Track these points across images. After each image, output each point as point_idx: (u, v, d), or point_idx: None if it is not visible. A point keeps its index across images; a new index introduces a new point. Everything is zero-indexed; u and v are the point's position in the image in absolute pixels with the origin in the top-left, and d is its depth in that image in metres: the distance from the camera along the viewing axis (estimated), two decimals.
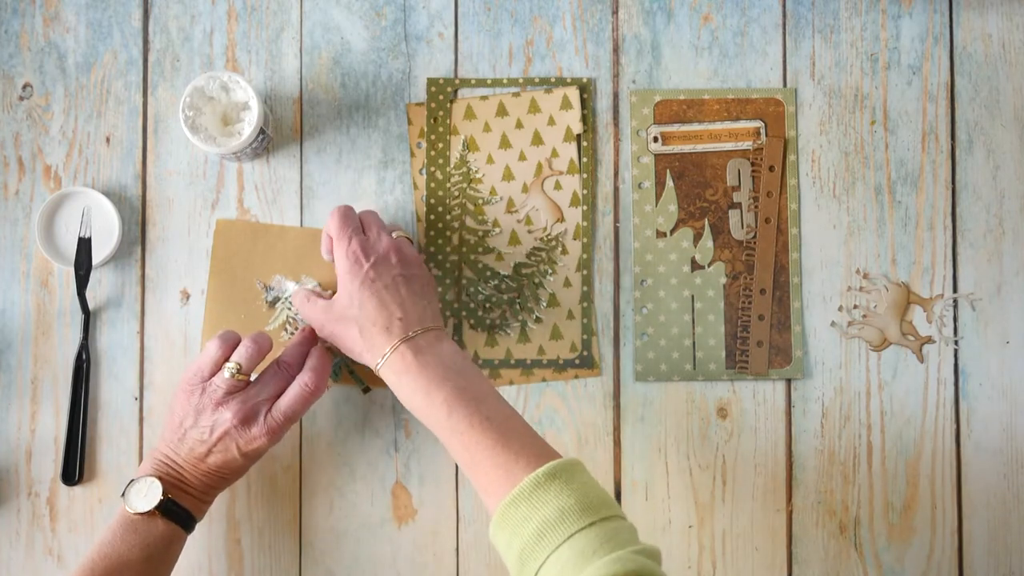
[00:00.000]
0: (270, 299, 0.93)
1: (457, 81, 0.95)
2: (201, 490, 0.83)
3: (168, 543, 0.81)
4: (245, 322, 0.92)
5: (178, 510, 0.81)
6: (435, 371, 0.79)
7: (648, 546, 0.69)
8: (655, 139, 0.95)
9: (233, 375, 0.81)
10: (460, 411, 0.77)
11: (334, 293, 0.88)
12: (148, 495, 0.80)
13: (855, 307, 0.94)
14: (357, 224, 0.86)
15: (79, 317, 0.93)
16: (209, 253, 0.94)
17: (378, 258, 0.84)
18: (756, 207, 0.94)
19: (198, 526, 0.84)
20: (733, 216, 0.94)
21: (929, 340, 0.94)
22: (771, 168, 0.94)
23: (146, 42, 0.96)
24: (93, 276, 0.93)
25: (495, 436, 0.76)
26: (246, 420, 0.81)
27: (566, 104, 0.95)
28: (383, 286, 0.83)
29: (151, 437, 0.93)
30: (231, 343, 0.83)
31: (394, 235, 0.88)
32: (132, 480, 0.81)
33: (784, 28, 0.96)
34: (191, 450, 0.82)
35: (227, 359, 0.82)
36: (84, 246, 0.92)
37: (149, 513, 0.79)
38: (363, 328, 0.82)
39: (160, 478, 0.81)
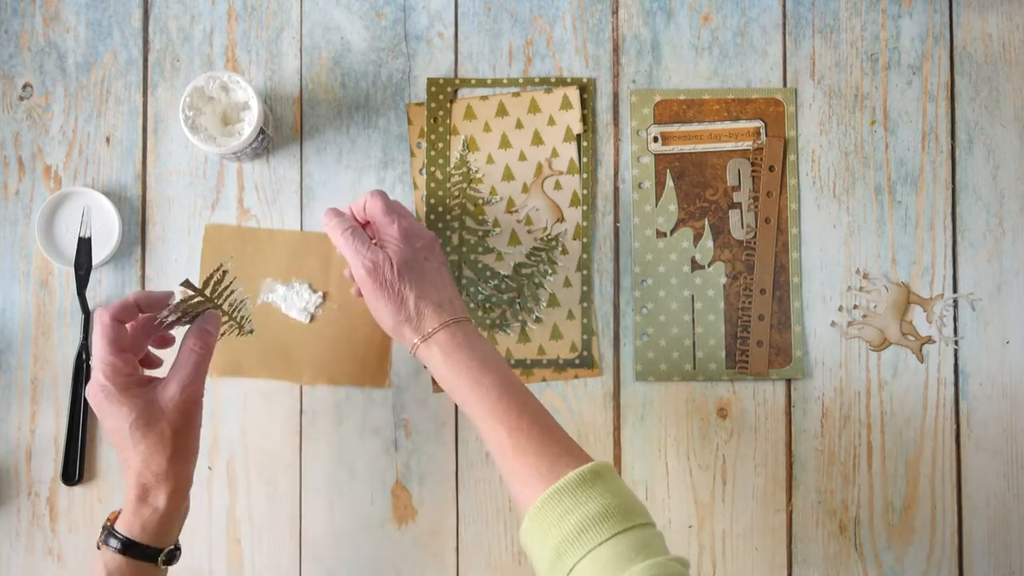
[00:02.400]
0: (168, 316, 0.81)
1: (457, 81, 0.95)
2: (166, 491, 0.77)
3: None
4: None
5: (122, 539, 0.76)
6: (484, 356, 0.80)
7: (681, 556, 0.70)
8: (655, 139, 0.95)
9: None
10: (509, 398, 0.77)
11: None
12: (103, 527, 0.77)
13: (855, 307, 0.94)
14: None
15: (79, 317, 0.93)
16: None
17: (426, 242, 0.84)
18: (756, 207, 0.94)
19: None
20: (733, 216, 0.94)
21: (929, 340, 0.94)
22: (771, 168, 0.94)
23: (146, 42, 0.96)
24: (93, 276, 0.93)
25: (542, 428, 0.76)
26: (132, 395, 0.76)
27: (566, 104, 0.95)
28: (436, 266, 0.84)
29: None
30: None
31: None
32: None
33: (784, 28, 0.96)
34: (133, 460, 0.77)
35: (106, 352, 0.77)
36: (84, 246, 0.92)
37: (100, 547, 0.76)
38: (418, 298, 0.81)
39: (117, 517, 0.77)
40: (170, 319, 0.79)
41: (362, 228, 0.85)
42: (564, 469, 0.73)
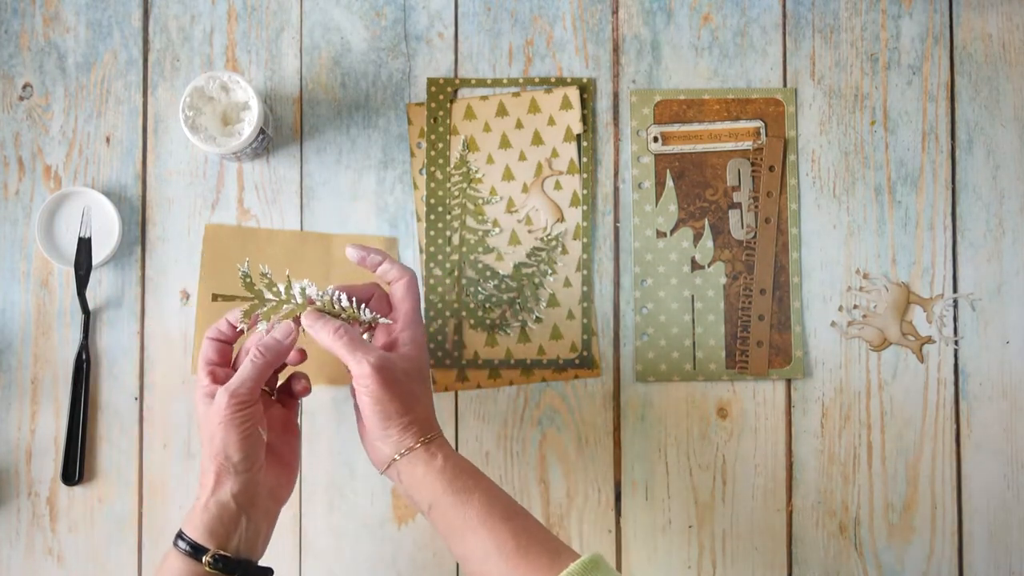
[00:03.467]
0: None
1: (457, 81, 0.95)
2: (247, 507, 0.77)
3: None
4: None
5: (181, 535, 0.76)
6: (468, 466, 0.79)
7: None
8: (655, 139, 0.95)
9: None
10: (505, 500, 0.78)
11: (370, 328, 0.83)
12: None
13: (855, 307, 0.94)
14: None
15: (79, 317, 0.93)
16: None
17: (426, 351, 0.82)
18: (756, 207, 0.94)
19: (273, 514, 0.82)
20: (733, 216, 0.94)
21: (929, 340, 0.94)
22: (771, 168, 0.94)
23: (146, 42, 0.96)
24: (93, 276, 0.93)
25: (535, 527, 0.77)
26: (210, 395, 0.78)
27: (566, 104, 0.95)
28: (429, 376, 0.82)
29: (151, 437, 0.93)
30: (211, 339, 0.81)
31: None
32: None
33: (784, 28, 0.96)
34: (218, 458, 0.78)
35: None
36: (84, 246, 0.92)
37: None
38: (427, 404, 0.80)
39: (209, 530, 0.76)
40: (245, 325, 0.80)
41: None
42: (566, 562, 0.73)
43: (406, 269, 0.82)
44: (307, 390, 0.84)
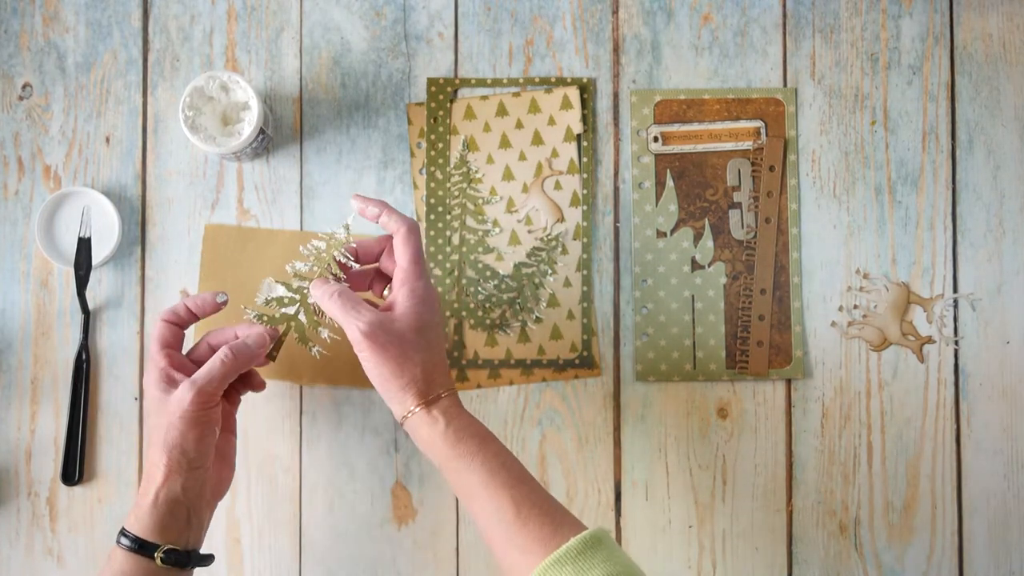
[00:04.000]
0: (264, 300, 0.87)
1: (457, 81, 0.95)
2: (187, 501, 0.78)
3: None
4: (233, 324, 0.92)
5: (125, 532, 0.76)
6: (480, 425, 0.78)
7: None
8: (655, 139, 0.95)
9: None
10: (510, 466, 0.77)
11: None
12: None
13: (855, 307, 0.94)
14: None
15: (79, 317, 0.93)
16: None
17: (437, 305, 0.81)
18: (756, 207, 0.94)
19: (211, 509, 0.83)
20: (733, 216, 0.94)
21: (929, 340, 0.94)
22: (771, 168, 0.94)
23: (146, 42, 0.96)
24: (93, 276, 0.93)
25: (542, 496, 0.76)
26: (168, 381, 0.78)
27: (566, 104, 0.95)
28: (440, 332, 0.81)
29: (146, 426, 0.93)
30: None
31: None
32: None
33: (784, 28, 0.96)
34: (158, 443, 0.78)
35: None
36: (84, 246, 0.92)
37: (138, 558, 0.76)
38: (425, 362, 0.77)
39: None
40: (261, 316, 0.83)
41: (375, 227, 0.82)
42: (566, 536, 0.72)
43: (404, 219, 0.80)
44: (263, 385, 0.86)
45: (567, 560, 0.70)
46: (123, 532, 0.76)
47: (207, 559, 0.80)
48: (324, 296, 0.79)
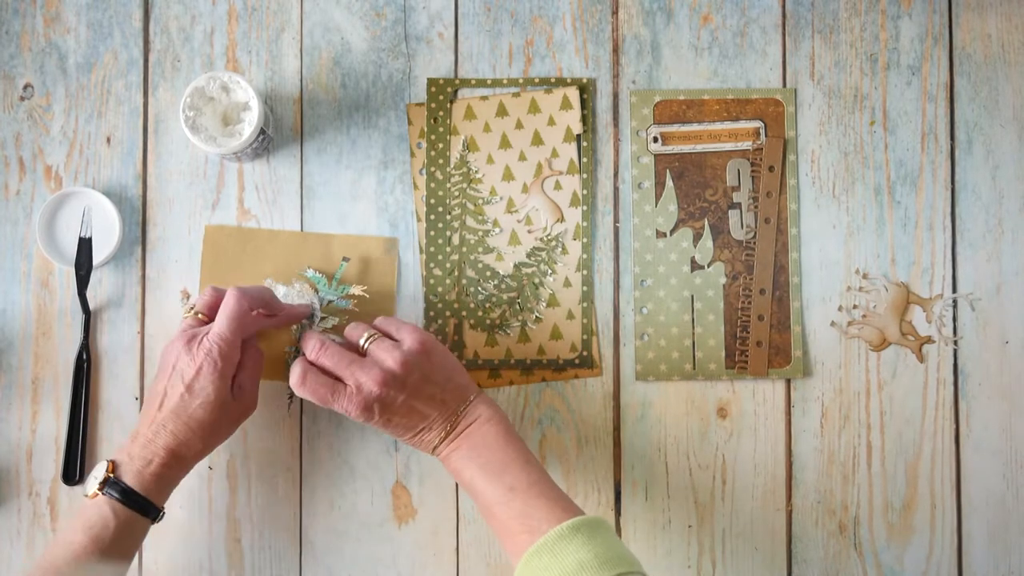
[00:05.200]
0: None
1: (457, 81, 0.95)
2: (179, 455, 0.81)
3: (120, 530, 0.78)
4: None
5: (124, 488, 0.78)
6: (473, 464, 0.82)
7: None
8: (655, 139, 0.95)
9: (188, 315, 0.84)
10: (504, 498, 0.80)
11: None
12: (95, 476, 0.80)
13: (855, 307, 0.94)
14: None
15: (80, 317, 0.93)
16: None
17: (424, 348, 0.84)
18: (756, 207, 0.94)
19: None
20: (733, 216, 0.95)
21: (929, 340, 0.94)
22: (771, 168, 0.95)
23: (147, 42, 0.96)
24: (94, 276, 0.93)
25: (547, 484, 0.80)
26: (189, 341, 0.81)
27: (566, 104, 0.95)
28: (441, 357, 0.85)
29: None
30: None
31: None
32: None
33: (784, 28, 0.96)
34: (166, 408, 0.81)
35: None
36: (85, 246, 0.92)
37: (96, 495, 0.79)
38: (420, 422, 0.83)
39: (117, 461, 0.80)
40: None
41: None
42: (545, 528, 0.75)
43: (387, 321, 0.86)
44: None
45: (543, 552, 0.74)
46: (126, 489, 0.78)
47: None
48: (299, 382, 0.82)
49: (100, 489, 0.78)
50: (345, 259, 0.90)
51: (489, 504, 0.80)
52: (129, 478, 0.79)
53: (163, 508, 0.81)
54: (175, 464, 0.80)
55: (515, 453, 0.81)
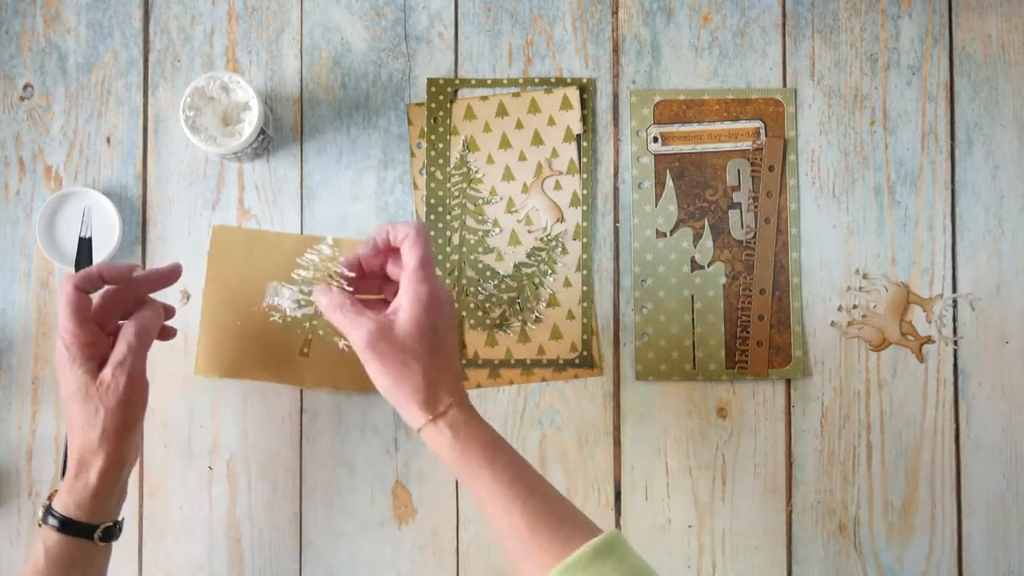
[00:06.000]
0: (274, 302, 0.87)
1: (457, 81, 0.95)
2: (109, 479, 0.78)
3: (56, 558, 0.76)
4: (241, 328, 0.92)
5: (49, 511, 0.76)
6: (491, 433, 0.77)
7: None
8: (655, 139, 0.95)
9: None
10: (524, 475, 0.75)
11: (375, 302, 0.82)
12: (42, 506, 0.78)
13: (855, 307, 0.94)
14: None
15: None
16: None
17: (448, 309, 0.79)
18: (756, 207, 0.94)
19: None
20: (733, 216, 0.95)
21: (929, 340, 0.94)
22: (771, 168, 0.95)
23: (147, 42, 0.96)
24: None
25: (554, 505, 0.74)
26: (90, 359, 0.78)
27: (566, 104, 0.95)
28: (452, 338, 0.79)
29: (151, 437, 0.93)
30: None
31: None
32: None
33: (784, 28, 0.96)
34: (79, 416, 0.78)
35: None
36: (85, 246, 0.92)
37: (40, 525, 0.77)
38: (427, 370, 0.75)
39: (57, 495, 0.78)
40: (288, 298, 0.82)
41: (381, 253, 0.80)
42: (579, 544, 0.70)
43: (411, 224, 0.78)
44: (174, 333, 0.87)
45: (579, 567, 0.69)
46: (53, 514, 0.76)
47: (121, 524, 0.81)
48: (328, 309, 0.78)
49: (42, 520, 0.77)
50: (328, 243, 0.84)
51: (506, 500, 0.74)
52: (58, 501, 0.77)
53: (112, 522, 0.78)
54: (88, 471, 0.77)
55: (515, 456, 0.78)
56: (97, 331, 0.79)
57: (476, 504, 0.76)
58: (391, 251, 0.80)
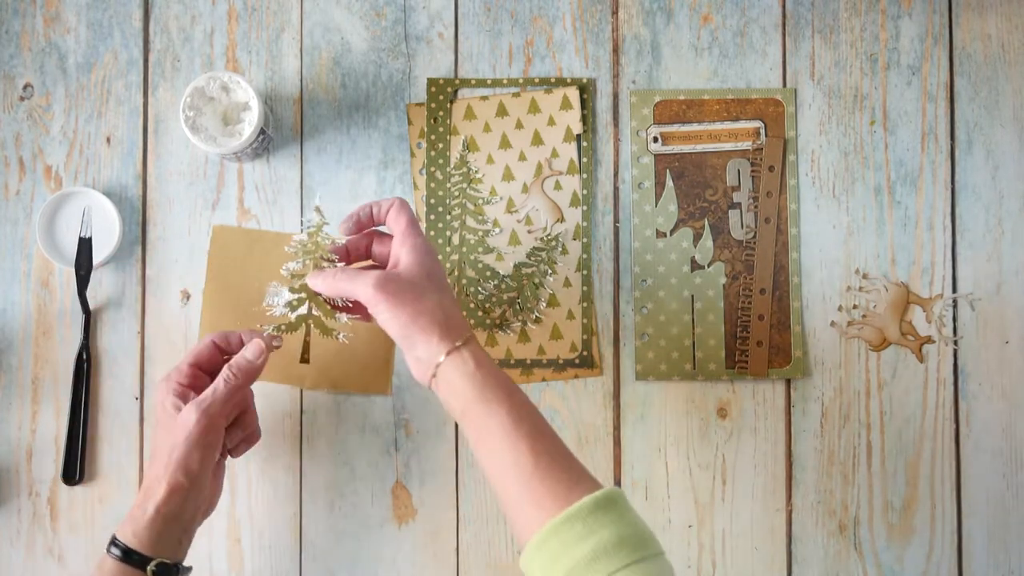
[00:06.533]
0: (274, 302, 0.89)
1: (457, 81, 0.95)
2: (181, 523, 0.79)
3: None
4: (240, 327, 0.92)
5: (114, 541, 0.77)
6: (504, 374, 0.77)
7: None
8: (655, 139, 0.95)
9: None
10: (533, 418, 0.75)
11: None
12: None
13: (855, 307, 0.94)
14: None
15: (80, 317, 0.93)
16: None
17: (438, 257, 0.82)
18: (756, 207, 0.94)
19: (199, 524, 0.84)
20: (733, 216, 0.95)
21: (929, 340, 0.94)
22: (771, 168, 0.95)
23: (146, 42, 0.96)
24: (94, 276, 0.93)
25: (562, 451, 0.74)
26: (182, 398, 0.80)
27: (566, 104, 0.95)
28: (447, 282, 0.81)
29: (151, 437, 0.93)
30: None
31: None
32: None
33: (784, 28, 0.96)
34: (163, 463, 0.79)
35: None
36: (85, 246, 0.92)
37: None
38: (443, 303, 0.77)
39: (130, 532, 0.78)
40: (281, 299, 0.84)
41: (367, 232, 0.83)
42: (581, 494, 0.70)
43: (391, 199, 0.82)
44: (258, 436, 0.87)
45: (578, 517, 0.69)
46: (115, 542, 0.77)
47: (188, 571, 0.81)
48: (326, 280, 0.80)
49: (107, 547, 0.78)
50: (317, 209, 0.84)
51: (518, 437, 0.74)
52: (120, 529, 0.77)
53: (172, 564, 0.78)
54: (149, 500, 0.78)
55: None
56: (202, 376, 0.82)
57: (481, 445, 0.75)
58: (374, 233, 0.83)
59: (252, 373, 0.81)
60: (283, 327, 0.84)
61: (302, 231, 0.83)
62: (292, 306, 0.83)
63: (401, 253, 0.79)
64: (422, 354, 0.76)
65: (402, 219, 0.80)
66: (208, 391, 0.79)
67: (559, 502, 0.70)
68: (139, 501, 0.78)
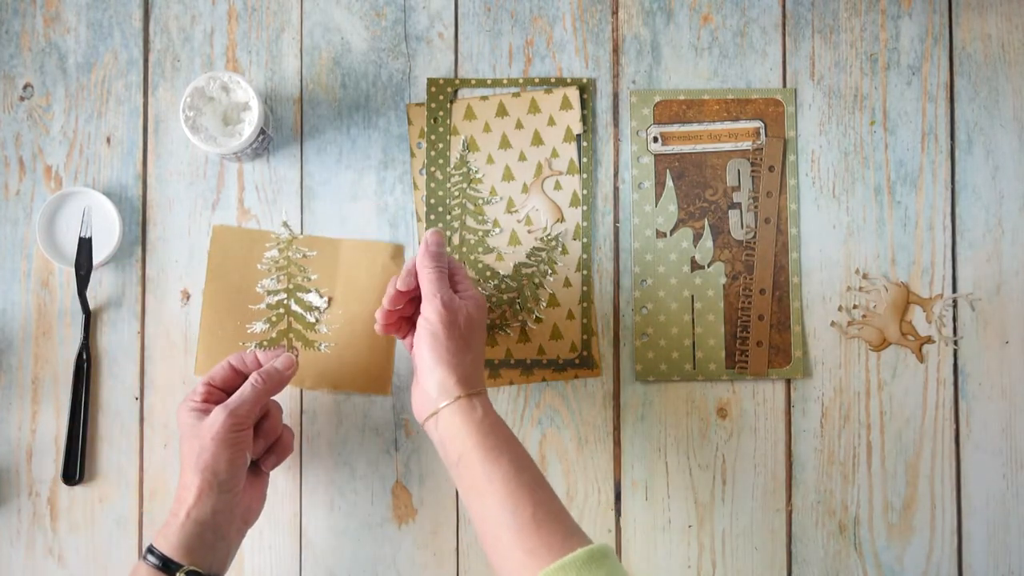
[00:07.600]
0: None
1: (457, 81, 0.95)
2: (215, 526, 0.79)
3: None
4: (239, 328, 0.92)
5: (151, 548, 0.78)
6: (505, 429, 0.80)
7: None
8: (655, 139, 0.95)
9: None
10: (532, 470, 0.78)
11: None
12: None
13: (855, 307, 0.94)
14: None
15: (80, 317, 0.93)
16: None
17: (479, 303, 0.84)
18: (756, 207, 0.94)
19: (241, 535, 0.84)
20: (733, 216, 0.95)
21: (929, 340, 0.94)
22: (771, 168, 0.95)
23: (146, 42, 0.96)
24: (94, 276, 0.93)
25: (558, 505, 0.77)
26: (203, 410, 0.81)
27: (566, 104, 0.95)
28: (483, 335, 0.84)
29: (151, 437, 0.93)
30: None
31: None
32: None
33: (784, 28, 0.96)
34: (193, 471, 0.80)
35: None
36: (85, 246, 0.92)
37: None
38: (476, 357, 0.82)
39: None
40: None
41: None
42: (575, 546, 0.73)
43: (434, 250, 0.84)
44: (290, 448, 0.88)
45: (572, 567, 0.71)
46: (151, 549, 0.77)
47: None
48: (424, 263, 0.82)
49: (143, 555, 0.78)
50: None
51: (517, 486, 0.76)
52: (156, 539, 0.78)
53: (200, 571, 0.77)
54: (180, 505, 0.78)
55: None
56: (219, 393, 0.83)
57: (476, 491, 0.77)
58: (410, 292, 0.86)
59: (280, 382, 0.83)
60: (265, 343, 0.87)
61: (272, 247, 0.88)
62: (271, 322, 0.88)
63: (466, 299, 0.83)
64: (433, 389, 0.79)
65: (460, 271, 0.85)
66: (235, 395, 0.81)
67: (553, 552, 0.72)
68: (173, 509, 0.79)
